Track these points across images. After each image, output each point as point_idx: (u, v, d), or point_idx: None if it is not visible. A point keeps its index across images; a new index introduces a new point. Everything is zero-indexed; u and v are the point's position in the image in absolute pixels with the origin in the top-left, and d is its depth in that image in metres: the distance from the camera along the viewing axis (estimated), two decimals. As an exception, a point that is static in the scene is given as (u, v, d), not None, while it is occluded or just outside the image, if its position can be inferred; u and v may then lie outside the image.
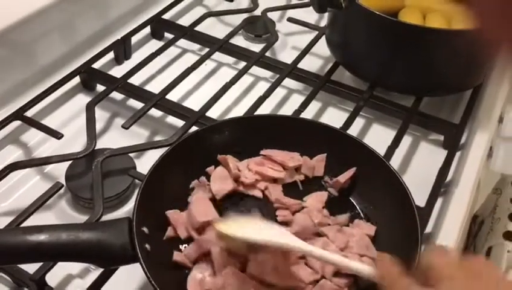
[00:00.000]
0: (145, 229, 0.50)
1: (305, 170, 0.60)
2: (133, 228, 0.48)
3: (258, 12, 0.90)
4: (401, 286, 0.39)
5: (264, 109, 0.72)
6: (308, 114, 0.72)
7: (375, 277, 0.43)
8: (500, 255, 0.80)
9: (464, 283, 0.37)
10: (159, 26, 0.88)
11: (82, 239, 0.46)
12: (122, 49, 0.82)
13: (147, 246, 0.49)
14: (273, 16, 0.91)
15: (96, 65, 0.78)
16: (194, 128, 0.67)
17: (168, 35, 0.87)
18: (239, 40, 0.87)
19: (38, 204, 0.57)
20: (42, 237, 0.45)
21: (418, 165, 0.69)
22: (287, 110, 0.74)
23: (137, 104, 0.72)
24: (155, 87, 0.75)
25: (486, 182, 0.83)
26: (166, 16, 0.89)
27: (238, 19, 0.88)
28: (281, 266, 0.48)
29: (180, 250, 0.52)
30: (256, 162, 0.60)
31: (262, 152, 0.60)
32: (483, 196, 0.88)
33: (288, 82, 0.78)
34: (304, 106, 0.70)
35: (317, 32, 0.84)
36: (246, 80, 0.79)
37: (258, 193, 0.58)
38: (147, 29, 0.87)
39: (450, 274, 0.37)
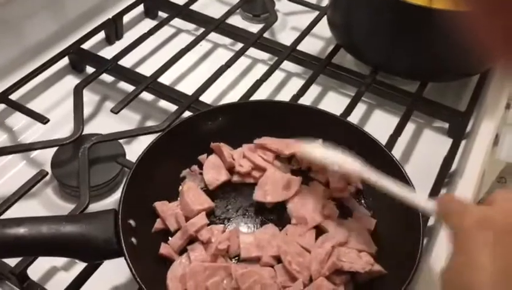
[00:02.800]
0: (131, 222, 0.48)
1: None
2: (118, 221, 0.46)
3: (256, -10, 0.86)
4: (456, 203, 0.38)
5: (261, 94, 0.69)
6: (307, 99, 0.69)
7: (436, 214, 0.41)
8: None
9: None
10: (152, 4, 0.84)
11: (64, 232, 0.44)
12: (113, 29, 0.78)
13: (133, 239, 0.47)
14: (273, -6, 0.87)
15: (86, 45, 0.75)
16: (187, 114, 0.64)
17: (162, 14, 0.84)
18: (236, 20, 0.84)
19: (22, 192, 0.54)
20: (21, 231, 0.43)
21: (422, 154, 0.66)
22: (285, 94, 0.71)
23: (128, 87, 0.69)
24: (147, 69, 0.71)
25: (491, 170, 0.80)
26: (160, -6, 0.85)
27: (235, -2, 0.85)
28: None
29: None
30: (250, 149, 0.57)
31: (256, 141, 0.57)
32: (487, 184, 0.86)
33: (287, 65, 0.74)
34: (303, 90, 0.67)
35: (318, 12, 0.81)
36: (243, 62, 0.75)
37: (252, 181, 0.55)
38: (140, 8, 0.83)
39: (504, 199, 0.36)
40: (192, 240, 0.49)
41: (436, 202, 0.41)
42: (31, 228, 0.43)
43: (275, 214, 0.53)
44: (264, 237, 0.49)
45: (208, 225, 0.50)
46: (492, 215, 0.35)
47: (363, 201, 0.55)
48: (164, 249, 0.49)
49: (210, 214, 0.53)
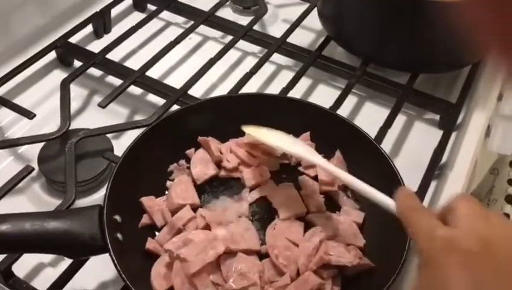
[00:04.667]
0: (117, 218, 0.47)
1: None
2: (103, 217, 0.45)
3: (246, -18, 0.85)
4: (420, 219, 0.36)
5: (251, 87, 0.68)
6: (297, 91, 0.68)
7: (394, 209, 0.40)
8: (496, 238, 0.78)
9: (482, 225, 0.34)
10: (141, -3, 0.83)
11: (47, 229, 0.43)
12: (101, 22, 0.77)
13: (119, 235, 0.46)
14: (263, -14, 0.86)
15: (74, 39, 0.74)
16: (175, 108, 0.63)
17: (151, 7, 0.83)
18: (226, 13, 0.83)
19: (8, 188, 0.54)
20: (4, 227, 0.42)
21: (412, 146, 0.65)
22: (275, 87, 0.70)
23: (117, 81, 0.68)
24: (136, 63, 0.70)
25: (483, 162, 0.80)
26: (149, -14, 0.84)
27: (225, -10, 0.84)
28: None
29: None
30: (238, 144, 0.56)
31: (246, 140, 0.56)
32: (479, 175, 0.85)
33: (277, 57, 0.74)
34: (292, 83, 0.67)
35: (308, 4, 0.80)
36: (233, 55, 0.75)
37: (239, 175, 0.55)
38: (129, 1, 0.83)
39: (468, 214, 0.35)
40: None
41: (396, 203, 0.40)
42: (14, 224, 0.43)
43: (262, 208, 0.53)
44: (238, 231, 0.49)
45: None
46: (460, 238, 0.33)
47: (351, 195, 0.55)
48: (150, 244, 0.48)
49: (197, 209, 0.52)
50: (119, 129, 0.60)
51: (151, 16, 0.77)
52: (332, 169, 0.48)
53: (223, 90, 0.70)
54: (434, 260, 0.33)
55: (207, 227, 0.49)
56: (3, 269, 0.47)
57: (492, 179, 0.86)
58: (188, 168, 0.55)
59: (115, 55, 0.72)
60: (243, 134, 0.57)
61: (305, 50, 0.74)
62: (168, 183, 0.54)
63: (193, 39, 0.78)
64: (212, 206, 0.52)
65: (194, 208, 0.51)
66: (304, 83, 0.71)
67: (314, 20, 0.75)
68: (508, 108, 0.75)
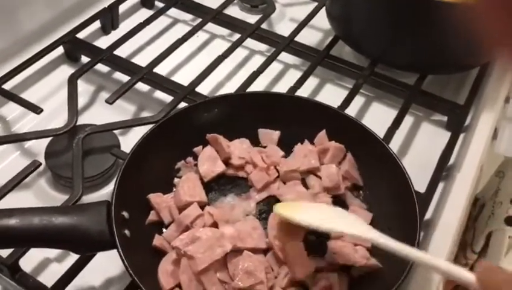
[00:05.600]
0: (125, 214, 0.47)
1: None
2: (111, 213, 0.45)
3: (254, -20, 0.85)
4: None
5: (258, 85, 0.68)
6: (305, 91, 0.68)
7: (476, 286, 0.36)
8: (501, 241, 0.78)
9: None
10: (149, -7, 0.83)
11: (55, 224, 0.43)
12: (109, 18, 0.77)
13: (126, 231, 0.46)
14: (271, -16, 0.86)
15: (81, 35, 0.74)
16: (183, 105, 0.63)
17: (159, 4, 0.83)
18: (234, 11, 0.83)
19: (14, 183, 0.54)
20: (12, 222, 0.42)
21: (420, 147, 0.65)
22: (283, 86, 0.70)
23: (124, 78, 0.68)
24: (143, 59, 0.70)
25: (489, 164, 0.80)
26: (157, -17, 0.84)
27: (233, -12, 0.83)
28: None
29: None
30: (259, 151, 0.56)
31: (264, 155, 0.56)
32: (485, 178, 0.85)
33: (284, 56, 0.74)
34: (300, 82, 0.66)
35: (316, 4, 0.80)
36: (240, 53, 0.75)
37: (245, 175, 0.55)
38: (137, -3, 0.82)
39: None
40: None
41: (476, 274, 0.36)
42: (22, 219, 0.43)
43: (269, 207, 0.53)
44: (246, 229, 0.48)
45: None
46: None
47: (360, 194, 0.54)
48: (157, 240, 0.48)
49: (204, 207, 0.52)
50: (127, 125, 0.60)
51: (158, 13, 0.77)
52: (396, 246, 0.42)
53: (230, 88, 0.70)
54: None
55: (214, 225, 0.49)
56: (11, 263, 0.47)
57: (498, 181, 0.86)
58: (196, 165, 0.55)
59: (122, 52, 0.72)
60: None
61: (313, 49, 0.74)
62: (176, 180, 0.54)
63: (201, 37, 0.78)
64: (220, 204, 0.52)
65: (202, 206, 0.51)
66: (312, 82, 0.71)
67: (322, 19, 0.75)
68: (516, 111, 0.75)
